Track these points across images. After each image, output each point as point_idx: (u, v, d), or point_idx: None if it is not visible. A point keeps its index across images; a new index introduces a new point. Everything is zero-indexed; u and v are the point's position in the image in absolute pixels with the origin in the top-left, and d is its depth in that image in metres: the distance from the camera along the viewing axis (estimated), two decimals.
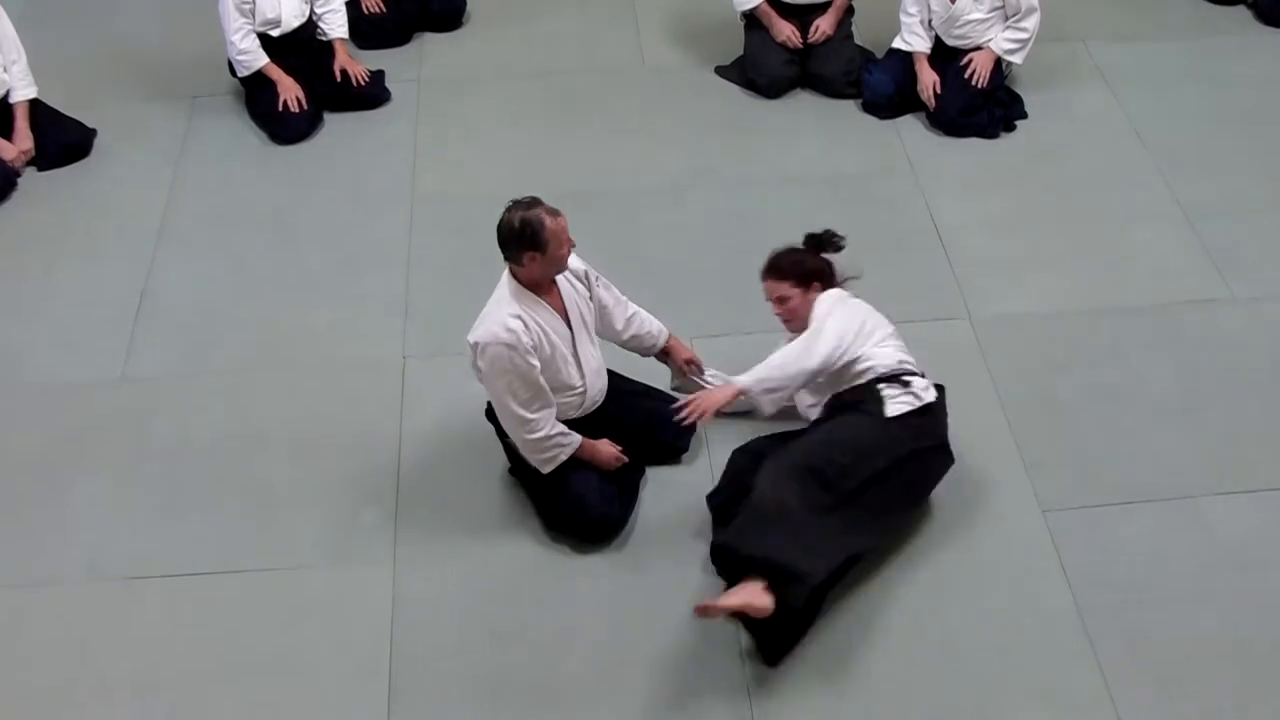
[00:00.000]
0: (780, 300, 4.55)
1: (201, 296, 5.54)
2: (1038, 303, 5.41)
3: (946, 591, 4.36)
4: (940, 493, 4.59)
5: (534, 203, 4.22)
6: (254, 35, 6.30)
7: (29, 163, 6.18)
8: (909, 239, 5.75)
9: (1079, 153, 6.21)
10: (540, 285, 4.32)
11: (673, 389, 4.82)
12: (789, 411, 4.66)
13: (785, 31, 6.50)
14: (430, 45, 7.00)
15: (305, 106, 6.33)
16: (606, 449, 4.52)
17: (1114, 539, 4.51)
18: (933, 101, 6.29)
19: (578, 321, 4.43)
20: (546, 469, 4.44)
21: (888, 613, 4.30)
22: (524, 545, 4.54)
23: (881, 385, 4.33)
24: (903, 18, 6.35)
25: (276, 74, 6.32)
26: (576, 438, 4.44)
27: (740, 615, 4.09)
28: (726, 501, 4.38)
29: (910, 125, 6.38)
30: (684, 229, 5.78)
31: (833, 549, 4.13)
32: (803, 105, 6.54)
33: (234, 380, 5.17)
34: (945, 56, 6.32)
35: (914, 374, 4.39)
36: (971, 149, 6.23)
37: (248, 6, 6.25)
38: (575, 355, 4.43)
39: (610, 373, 4.63)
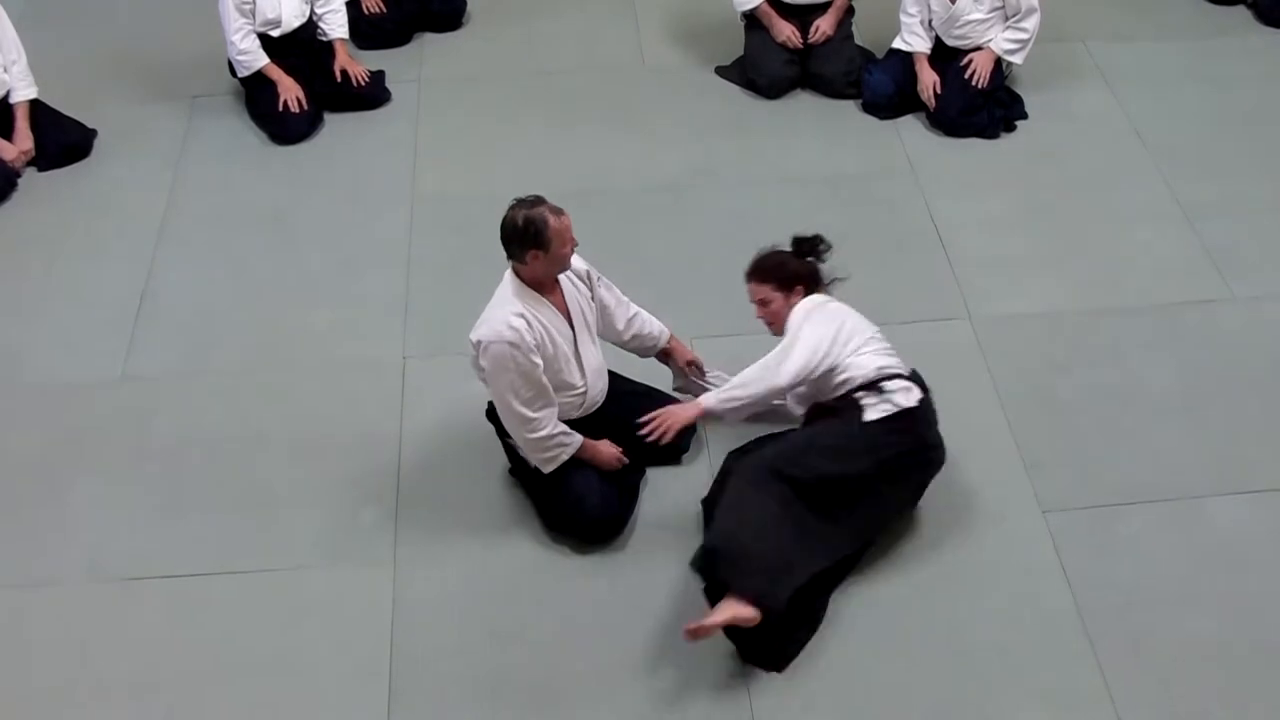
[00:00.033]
0: (762, 303, 4.53)
1: (201, 296, 5.54)
2: (1038, 303, 5.41)
3: (946, 591, 4.36)
4: (941, 493, 4.59)
5: (538, 201, 4.22)
6: (254, 35, 6.30)
7: (29, 163, 6.18)
8: (909, 239, 5.75)
9: (1079, 153, 6.21)
10: (543, 284, 4.32)
11: (675, 390, 4.82)
12: (786, 414, 4.66)
13: (785, 32, 6.50)
14: (430, 45, 7.00)
15: (305, 107, 6.33)
16: (607, 449, 4.52)
17: (1114, 539, 4.51)
18: (933, 102, 6.29)
19: (580, 321, 4.43)
20: (548, 469, 4.44)
21: (888, 613, 4.30)
22: (524, 545, 4.54)
23: (860, 394, 4.30)
24: (903, 18, 6.35)
25: (277, 74, 6.32)
26: (578, 438, 4.44)
27: (731, 629, 4.10)
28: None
29: (910, 125, 6.38)
30: (684, 229, 5.78)
31: (808, 553, 4.14)
32: (803, 105, 6.54)
33: (234, 380, 5.17)
34: (945, 57, 6.32)
35: (895, 377, 4.33)
36: (972, 149, 6.23)
37: (248, 7, 6.25)
38: (577, 355, 4.43)
39: (611, 373, 4.63)
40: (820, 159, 6.19)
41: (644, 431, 4.39)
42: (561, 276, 4.37)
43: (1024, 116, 6.38)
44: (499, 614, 4.34)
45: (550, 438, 4.38)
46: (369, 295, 5.52)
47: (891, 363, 4.37)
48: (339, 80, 6.46)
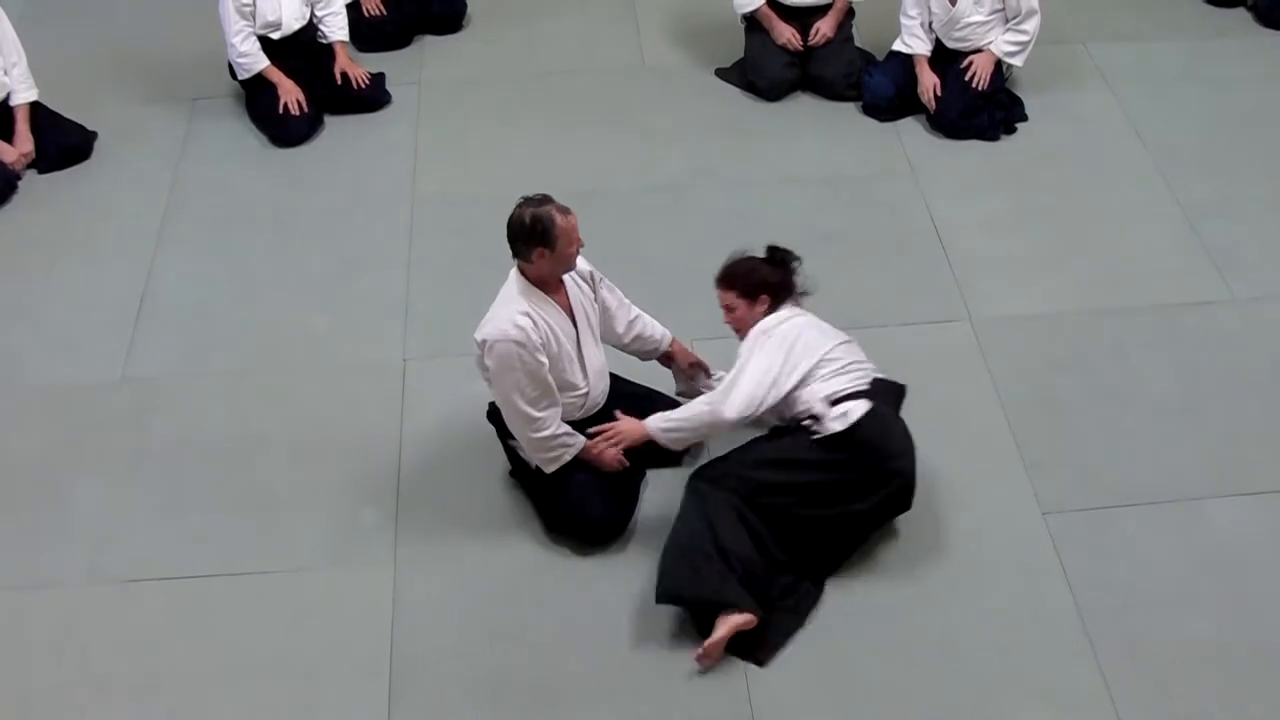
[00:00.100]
0: (728, 309, 4.49)
1: (201, 298, 5.54)
2: (1038, 303, 5.41)
3: (946, 591, 4.36)
4: (941, 493, 4.60)
5: (545, 200, 4.23)
6: (254, 38, 6.30)
7: (29, 165, 6.18)
8: (909, 241, 5.75)
9: (1079, 154, 6.21)
10: (548, 283, 4.33)
11: (678, 394, 4.81)
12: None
13: (786, 34, 6.50)
14: (430, 47, 7.01)
15: (306, 109, 6.33)
16: (609, 451, 4.52)
17: (1114, 540, 4.51)
18: (933, 104, 6.29)
19: (583, 321, 4.44)
20: (550, 469, 4.45)
21: (888, 613, 4.30)
22: (524, 546, 4.54)
23: (807, 421, 4.28)
24: (903, 20, 6.35)
25: (277, 76, 6.32)
26: (580, 439, 4.45)
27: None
28: None
29: (910, 127, 6.38)
30: (684, 230, 5.78)
31: (760, 545, 4.24)
32: (803, 107, 6.54)
33: (234, 381, 5.17)
34: (945, 59, 6.32)
35: (844, 399, 4.25)
36: (972, 151, 6.23)
37: (248, 9, 6.25)
38: (580, 355, 4.44)
39: (612, 375, 4.63)
40: (820, 161, 6.20)
41: (597, 440, 4.44)
42: (565, 276, 4.38)
43: (1024, 118, 6.38)
44: (499, 615, 4.34)
45: (553, 438, 4.38)
46: (369, 297, 5.53)
47: (840, 385, 4.29)
48: (339, 82, 6.46)
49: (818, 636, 4.24)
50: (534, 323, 4.24)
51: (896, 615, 4.29)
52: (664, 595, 4.21)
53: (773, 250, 4.50)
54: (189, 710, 4.10)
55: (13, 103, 6.15)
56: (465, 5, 7.13)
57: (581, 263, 4.42)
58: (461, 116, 6.53)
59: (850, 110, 6.49)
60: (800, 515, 4.26)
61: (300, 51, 6.45)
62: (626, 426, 4.45)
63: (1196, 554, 4.47)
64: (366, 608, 4.36)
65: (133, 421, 5.00)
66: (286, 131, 6.32)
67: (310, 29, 6.47)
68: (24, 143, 6.15)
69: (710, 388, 4.69)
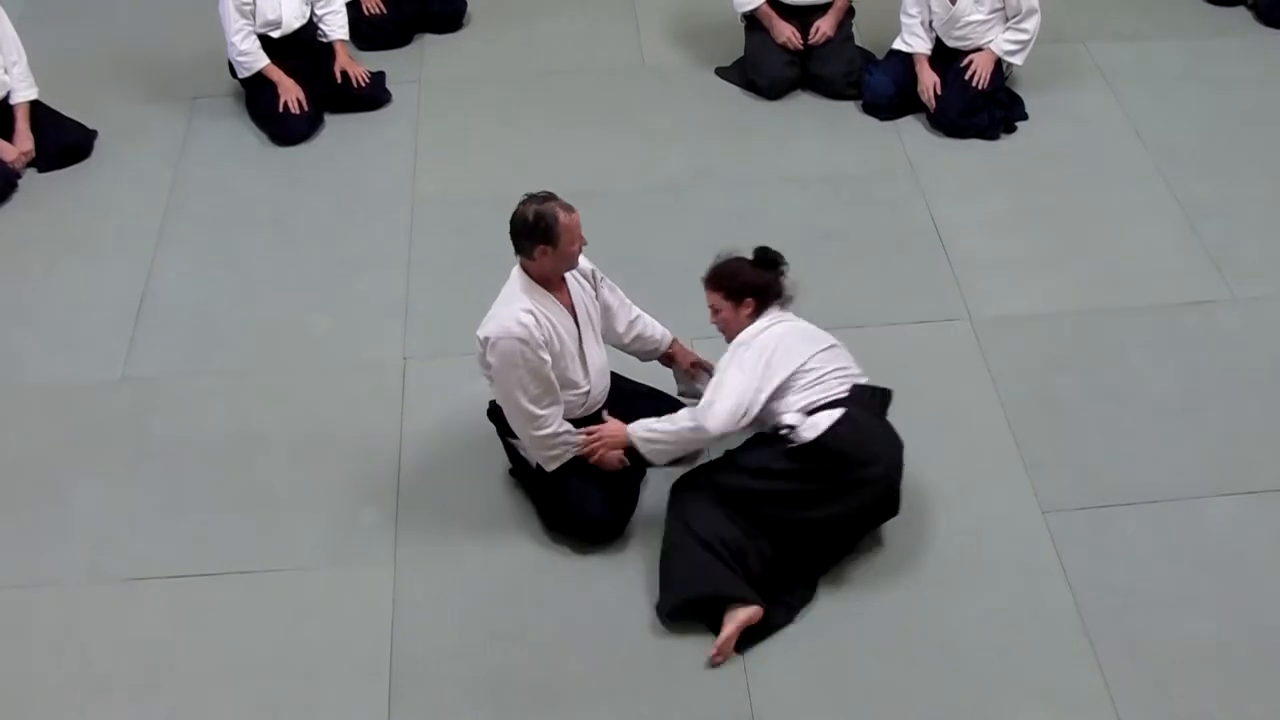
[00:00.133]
0: (714, 309, 4.47)
1: (201, 297, 5.54)
2: (1038, 303, 5.41)
3: (946, 591, 4.36)
4: (941, 492, 4.61)
5: (548, 197, 4.23)
6: (254, 37, 6.30)
7: (29, 164, 6.18)
8: (909, 240, 5.75)
9: (1079, 153, 6.21)
10: (551, 281, 4.33)
11: (680, 395, 4.80)
12: None
13: (786, 33, 6.50)
14: (431, 46, 7.00)
15: (306, 108, 6.33)
16: (610, 453, 4.51)
17: (1114, 539, 4.51)
18: (933, 103, 6.29)
19: (585, 320, 4.44)
20: (551, 467, 4.44)
21: (888, 613, 4.30)
22: (524, 546, 4.54)
23: (785, 430, 4.28)
24: (903, 19, 6.35)
25: (277, 75, 6.32)
26: (582, 436, 4.44)
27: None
28: None
29: (911, 126, 6.38)
30: (684, 229, 5.78)
31: (749, 538, 4.27)
32: (803, 106, 6.54)
33: (234, 381, 5.17)
34: (946, 58, 6.32)
35: (819, 410, 4.23)
36: (972, 150, 6.23)
37: (248, 8, 6.25)
38: (581, 353, 4.44)
39: (612, 374, 4.63)
40: (820, 160, 6.19)
41: (585, 450, 4.43)
42: (568, 275, 4.38)
43: (1024, 117, 6.38)
44: (499, 614, 4.34)
45: (555, 436, 4.38)
46: (369, 296, 5.53)
47: (816, 395, 4.26)
48: (339, 81, 6.46)
49: (818, 636, 4.24)
50: (537, 320, 4.24)
51: (896, 615, 4.29)
52: (666, 607, 4.26)
53: (761, 252, 4.47)
54: (189, 710, 4.10)
55: (13, 101, 6.15)
56: (465, 4, 7.13)
57: (583, 261, 4.42)
58: (462, 115, 6.53)
59: (850, 109, 6.49)
60: (779, 521, 4.26)
61: (300, 50, 6.44)
62: (610, 430, 4.44)
63: (1196, 554, 4.47)
64: (366, 608, 4.36)
65: (133, 421, 5.00)
66: (287, 130, 6.32)
67: (310, 28, 6.47)
68: (24, 141, 6.14)
69: None
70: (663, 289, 5.20)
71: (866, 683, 4.12)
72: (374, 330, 5.37)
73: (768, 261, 4.45)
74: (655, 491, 4.65)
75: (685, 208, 5.93)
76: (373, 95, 6.53)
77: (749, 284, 4.41)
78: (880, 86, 6.39)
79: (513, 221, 4.23)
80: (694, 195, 6.00)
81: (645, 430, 4.35)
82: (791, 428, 4.23)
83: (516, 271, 4.33)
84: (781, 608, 4.26)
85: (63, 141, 6.22)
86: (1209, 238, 5.70)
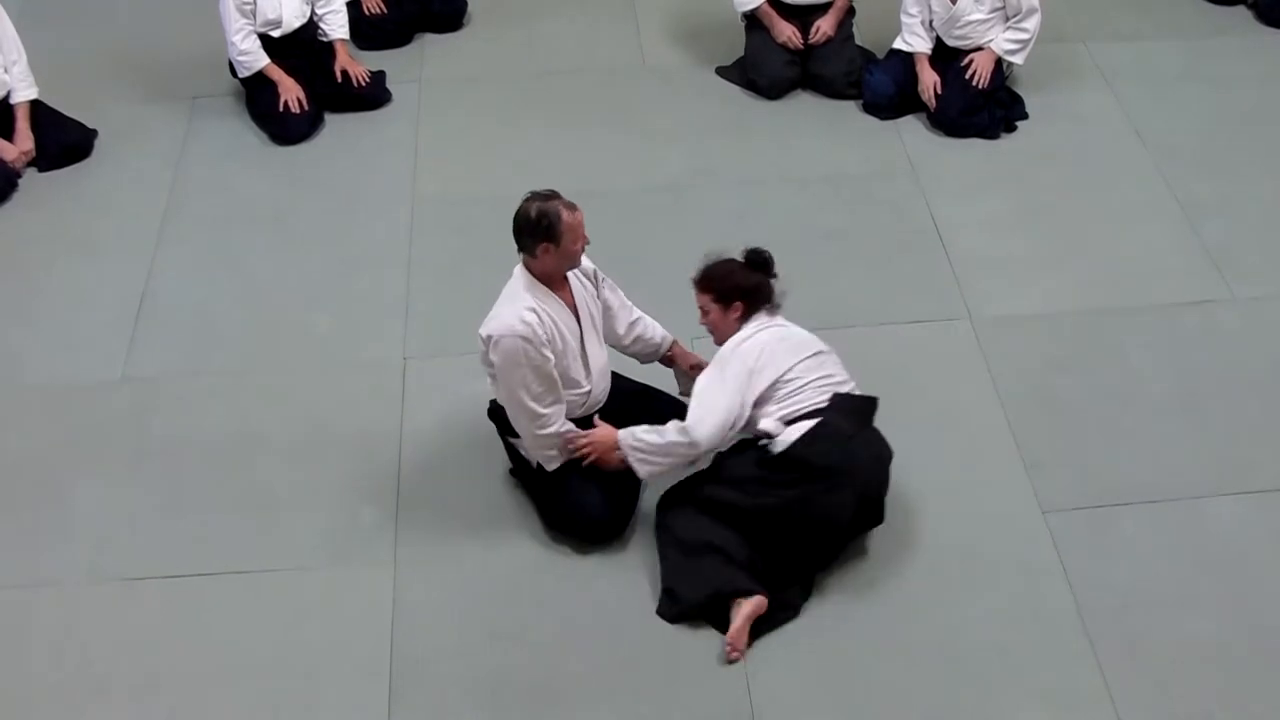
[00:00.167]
0: (703, 310, 4.46)
1: (201, 297, 5.54)
2: (1038, 303, 5.41)
3: (947, 591, 4.36)
4: (941, 492, 4.61)
5: (552, 195, 4.23)
6: (255, 36, 6.30)
7: (29, 163, 6.18)
8: (910, 239, 5.75)
9: (1079, 153, 6.21)
10: (553, 280, 4.33)
11: (681, 395, 4.80)
12: None
13: (786, 32, 6.50)
14: (431, 46, 7.00)
15: (306, 107, 6.33)
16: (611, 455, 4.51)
17: (1114, 539, 4.51)
18: (933, 102, 6.29)
19: (587, 319, 4.44)
20: (551, 466, 4.45)
21: (888, 613, 4.30)
22: (524, 546, 4.54)
23: (765, 440, 4.29)
24: (903, 18, 6.35)
25: (277, 75, 6.32)
26: (577, 436, 4.44)
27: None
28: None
29: (911, 126, 6.38)
30: (684, 229, 5.77)
31: (735, 540, 4.28)
32: (803, 106, 6.54)
33: (234, 380, 5.17)
34: (946, 57, 6.32)
35: (795, 420, 4.23)
36: (972, 150, 6.23)
37: (249, 7, 6.25)
38: (583, 353, 4.44)
39: (612, 374, 4.63)
40: (821, 159, 6.19)
41: (579, 456, 4.43)
42: (570, 274, 4.38)
43: (1024, 117, 6.38)
44: (499, 614, 4.34)
45: (557, 435, 4.38)
46: (369, 296, 5.53)
47: (795, 406, 4.25)
48: (340, 81, 6.46)
49: (818, 636, 4.24)
50: (540, 318, 4.24)
51: (896, 615, 4.29)
52: (667, 614, 4.28)
53: (753, 253, 4.43)
54: (189, 710, 4.10)
55: (13, 101, 6.14)
56: (466, 3, 7.13)
57: (585, 261, 4.43)
58: (462, 115, 6.52)
59: (851, 109, 6.49)
60: (758, 528, 4.26)
61: (301, 49, 6.44)
62: (599, 435, 4.43)
63: (1196, 553, 4.47)
64: (366, 608, 4.36)
65: (133, 421, 5.00)
66: (287, 129, 6.32)
67: (311, 27, 6.47)
68: (24, 141, 6.14)
69: None
70: (662, 289, 5.20)
71: (866, 683, 4.12)
72: (374, 330, 5.37)
73: (759, 263, 4.42)
74: (655, 491, 4.64)
75: (685, 208, 5.93)
76: (373, 95, 6.53)
77: (739, 286, 4.39)
78: (880, 86, 6.39)
79: (516, 219, 4.23)
80: (694, 195, 6.00)
81: (634, 440, 4.34)
82: (770, 437, 4.24)
83: (519, 270, 4.33)
84: (781, 608, 4.26)
85: (63, 141, 6.22)
86: (1209, 238, 5.70)
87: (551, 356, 4.26)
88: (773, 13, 6.50)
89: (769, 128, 6.40)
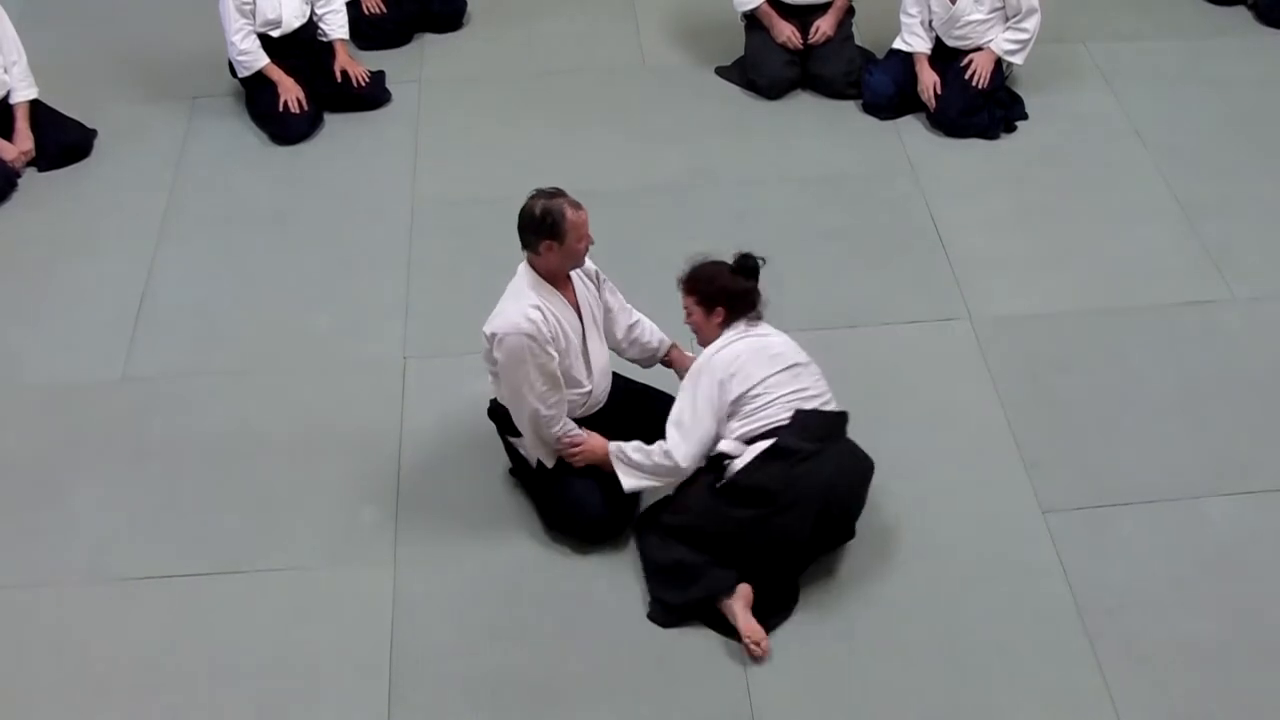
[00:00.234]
0: (687, 311, 4.45)
1: (201, 297, 5.54)
2: (1038, 303, 5.41)
3: (946, 591, 4.36)
4: (941, 493, 4.61)
5: (557, 193, 4.23)
6: (254, 36, 6.30)
7: (29, 163, 6.17)
8: (909, 239, 5.75)
9: (1079, 153, 6.21)
10: (557, 278, 4.33)
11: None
12: None
13: (786, 32, 6.50)
14: (431, 46, 7.00)
15: (306, 107, 6.33)
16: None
17: (1114, 539, 4.51)
18: (933, 102, 6.29)
19: (589, 318, 4.44)
20: (551, 462, 4.45)
21: (887, 612, 4.30)
22: (524, 545, 4.54)
23: (726, 461, 4.28)
24: (903, 18, 6.35)
25: (277, 75, 6.32)
26: (585, 435, 4.44)
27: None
28: None
29: (911, 126, 6.38)
30: (684, 229, 5.77)
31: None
32: (803, 106, 6.54)
33: (234, 380, 5.17)
34: (946, 57, 6.32)
35: (761, 437, 4.21)
36: (972, 150, 6.23)
37: (248, 7, 6.25)
38: (585, 352, 4.44)
39: (613, 374, 4.63)
40: (820, 159, 6.19)
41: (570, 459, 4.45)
42: (573, 273, 4.38)
43: (1024, 117, 6.38)
44: (499, 614, 4.34)
45: (559, 434, 4.39)
46: (369, 296, 5.52)
47: (755, 425, 4.23)
48: (339, 81, 6.46)
49: (818, 637, 4.24)
50: (544, 316, 4.24)
51: (896, 615, 4.29)
52: (658, 620, 4.29)
53: (742, 259, 4.39)
54: (189, 710, 4.10)
55: (12, 100, 6.14)
56: (465, 3, 7.13)
57: (587, 262, 4.42)
58: (462, 115, 6.52)
59: (850, 109, 6.49)
60: (723, 549, 4.25)
61: (300, 49, 6.44)
62: (591, 447, 4.43)
63: (1196, 553, 4.47)
64: (366, 606, 4.36)
65: (133, 421, 5.00)
66: (286, 129, 6.32)
67: (310, 27, 6.47)
68: (24, 141, 6.14)
69: None
70: (662, 289, 5.18)
71: (866, 683, 4.12)
72: (374, 330, 5.37)
73: (747, 270, 4.38)
74: (655, 491, 4.65)
75: (685, 208, 5.93)
76: (373, 95, 6.53)
77: (724, 290, 4.35)
78: (880, 86, 6.39)
79: (520, 216, 4.23)
80: (694, 195, 6.00)
81: (622, 455, 4.35)
82: (730, 458, 4.24)
83: (523, 268, 4.32)
84: (773, 612, 4.26)
85: (63, 141, 6.22)
86: (1209, 238, 5.70)
87: (555, 355, 4.26)
88: (772, 13, 6.51)
89: (769, 128, 6.40)
